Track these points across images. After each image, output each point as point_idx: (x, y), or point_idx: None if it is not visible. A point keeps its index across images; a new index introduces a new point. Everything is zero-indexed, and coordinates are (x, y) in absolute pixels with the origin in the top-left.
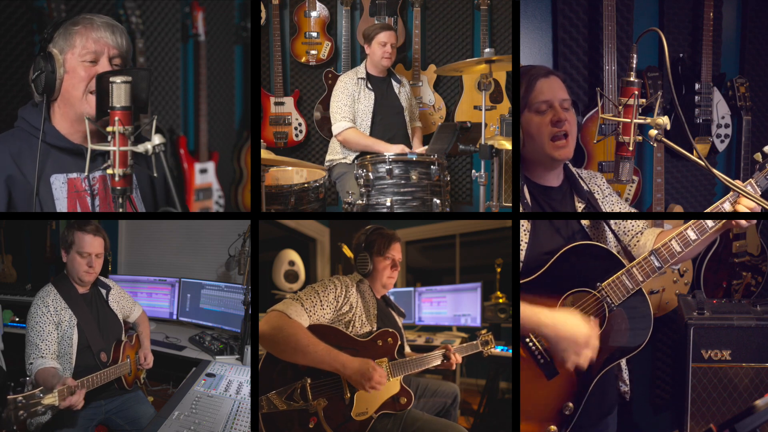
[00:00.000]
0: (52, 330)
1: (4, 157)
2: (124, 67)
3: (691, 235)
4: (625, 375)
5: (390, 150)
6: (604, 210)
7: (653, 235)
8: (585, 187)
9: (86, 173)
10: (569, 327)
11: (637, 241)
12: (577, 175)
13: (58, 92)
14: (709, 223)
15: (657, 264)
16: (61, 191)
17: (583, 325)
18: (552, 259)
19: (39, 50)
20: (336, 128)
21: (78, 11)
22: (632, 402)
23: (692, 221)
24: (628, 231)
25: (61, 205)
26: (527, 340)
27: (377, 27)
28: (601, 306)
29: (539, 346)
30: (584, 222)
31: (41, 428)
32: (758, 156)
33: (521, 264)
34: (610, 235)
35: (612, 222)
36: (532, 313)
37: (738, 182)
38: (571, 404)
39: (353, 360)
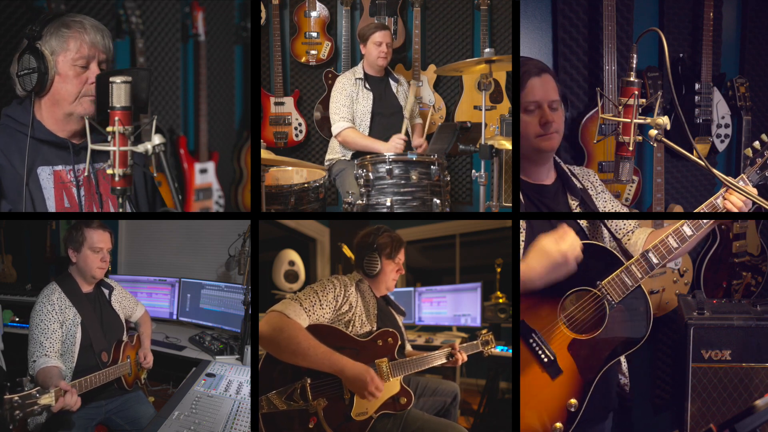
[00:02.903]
0: (56, 328)
1: None
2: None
3: (687, 231)
4: (624, 366)
5: (388, 147)
6: (598, 207)
7: (644, 234)
8: (578, 185)
9: (88, 166)
10: (543, 260)
11: (628, 240)
12: (569, 173)
13: (47, 92)
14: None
15: (655, 261)
16: (48, 182)
17: (551, 248)
18: None
19: (27, 46)
20: (335, 129)
21: (78, 11)
22: (632, 402)
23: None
24: (620, 229)
25: (49, 195)
26: (530, 340)
27: (372, 27)
28: (602, 304)
29: (541, 344)
30: (582, 222)
31: (41, 428)
32: (749, 151)
33: None
34: (605, 232)
35: (608, 222)
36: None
37: (740, 178)
38: (575, 401)
39: (353, 365)
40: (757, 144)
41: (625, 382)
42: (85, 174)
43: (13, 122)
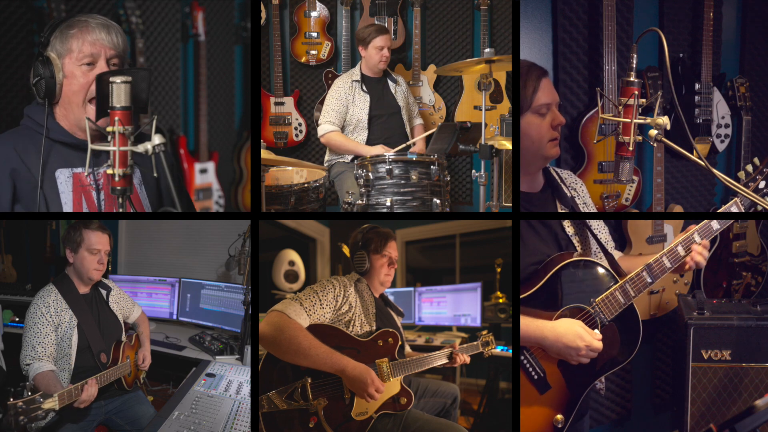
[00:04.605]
0: (50, 332)
1: (8, 151)
2: (122, 66)
3: (681, 251)
4: None
5: (371, 152)
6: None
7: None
8: (568, 194)
9: (88, 168)
10: (570, 338)
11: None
12: (559, 180)
13: (59, 96)
14: (697, 239)
15: (649, 279)
16: (66, 185)
17: (583, 335)
18: (547, 276)
19: (37, 54)
20: (320, 131)
21: (78, 11)
22: (632, 402)
23: (680, 238)
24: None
25: (66, 199)
26: (521, 357)
27: (373, 30)
28: (594, 321)
29: (532, 362)
30: (569, 231)
31: (41, 429)
32: (742, 174)
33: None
34: (593, 244)
35: (596, 231)
36: (535, 327)
37: (733, 202)
38: (560, 416)
39: (355, 365)
40: (750, 167)
41: (600, 387)
42: (91, 172)
43: (33, 123)
